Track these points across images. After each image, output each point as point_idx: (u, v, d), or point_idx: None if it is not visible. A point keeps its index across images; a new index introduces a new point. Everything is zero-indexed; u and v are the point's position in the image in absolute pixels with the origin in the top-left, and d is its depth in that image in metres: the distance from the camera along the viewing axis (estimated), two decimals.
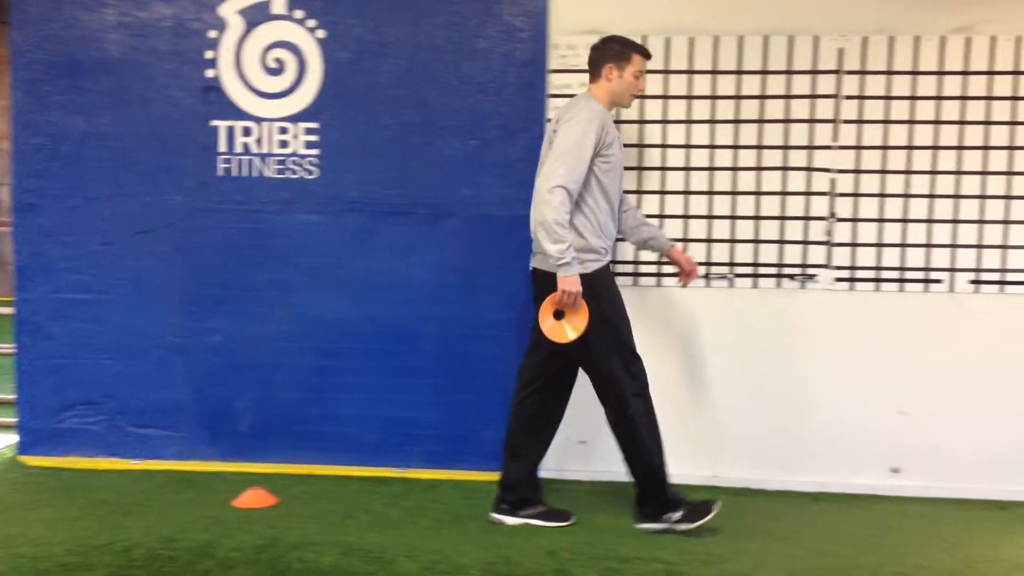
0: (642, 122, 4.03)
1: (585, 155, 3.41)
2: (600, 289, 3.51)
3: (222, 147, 4.18)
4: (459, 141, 4.10)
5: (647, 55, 3.62)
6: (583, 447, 4.14)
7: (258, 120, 4.17)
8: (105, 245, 4.24)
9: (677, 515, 3.54)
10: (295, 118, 4.15)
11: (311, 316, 4.20)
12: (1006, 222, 3.94)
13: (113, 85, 4.20)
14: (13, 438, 4.48)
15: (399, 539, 3.45)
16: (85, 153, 4.23)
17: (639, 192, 4.05)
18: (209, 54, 4.16)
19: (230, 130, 4.18)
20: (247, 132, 4.18)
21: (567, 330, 3.45)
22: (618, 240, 3.89)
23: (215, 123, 4.17)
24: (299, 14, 4.12)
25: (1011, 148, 3.91)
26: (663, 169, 4.04)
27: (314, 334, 4.20)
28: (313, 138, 4.16)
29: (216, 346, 4.22)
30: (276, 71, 4.15)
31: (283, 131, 4.17)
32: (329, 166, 4.16)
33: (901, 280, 3.98)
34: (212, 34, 4.15)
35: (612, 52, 3.59)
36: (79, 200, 4.24)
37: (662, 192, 4.04)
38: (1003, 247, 3.95)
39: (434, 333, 4.16)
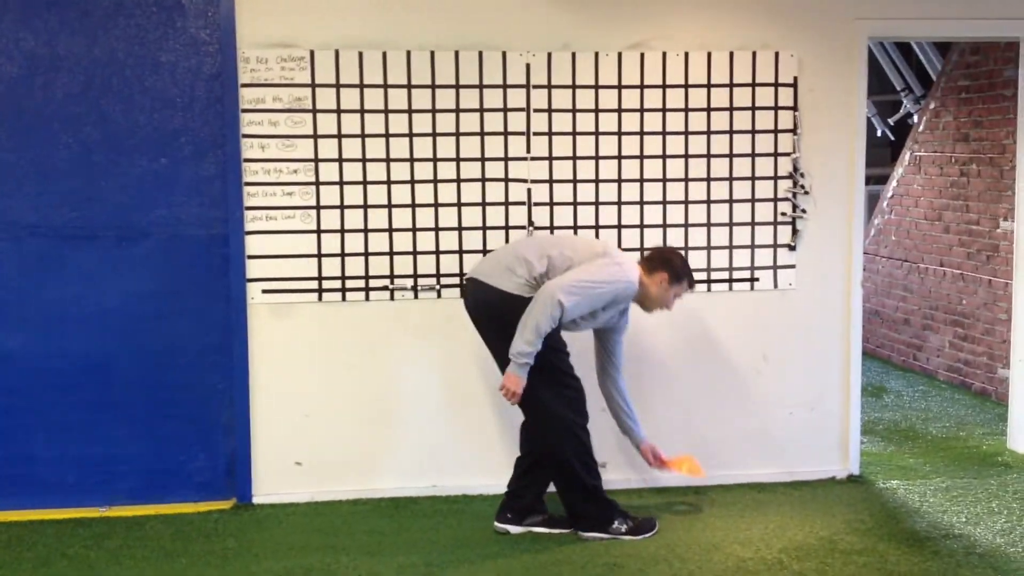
0: (341, 136, 4.13)
1: (596, 304, 3.67)
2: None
3: None
4: (148, 160, 4.03)
5: (693, 286, 3.94)
6: (298, 468, 4.22)
7: None
8: None
9: (622, 526, 3.84)
10: None
11: None
12: (686, 225, 4.36)
13: None
14: None
15: None
16: None
17: (343, 207, 4.15)
18: None
19: None
20: None
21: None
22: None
23: None
24: None
25: (685, 157, 4.32)
26: (364, 183, 4.16)
27: None
28: None
29: None
30: None
31: None
32: (3, 189, 3.96)
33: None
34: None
35: (675, 268, 3.86)
36: None
37: (365, 207, 4.16)
38: (684, 248, 4.38)
39: (132, 363, 4.09)
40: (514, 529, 3.88)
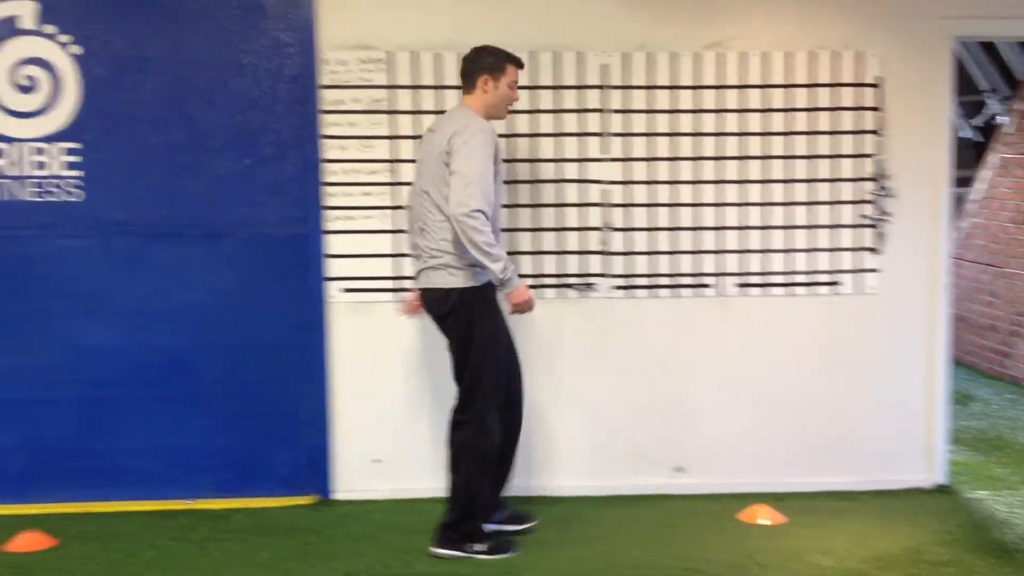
0: (418, 138, 4.21)
1: (490, 175, 3.57)
2: (488, 301, 3.71)
3: None
4: (231, 159, 4.17)
5: (520, 64, 3.78)
6: (378, 465, 4.33)
7: (10, 141, 4.10)
8: None
9: (481, 546, 3.73)
10: (52, 138, 4.11)
11: (80, 346, 4.19)
12: (766, 227, 4.36)
13: None
14: None
15: (186, 573, 3.55)
16: None
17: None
18: None
19: None
20: None
21: None
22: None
23: None
24: (50, 29, 4.07)
25: (765, 158, 4.31)
26: None
27: (85, 365, 4.19)
28: (74, 159, 4.13)
29: None
30: (28, 89, 4.09)
31: (39, 152, 4.11)
32: (93, 187, 4.14)
33: (675, 285, 4.36)
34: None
35: (486, 64, 3.72)
36: None
37: None
38: (765, 251, 4.37)
39: (215, 358, 4.23)
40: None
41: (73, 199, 4.13)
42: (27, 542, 3.81)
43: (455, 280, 3.64)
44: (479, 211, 3.50)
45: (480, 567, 3.61)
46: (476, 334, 3.68)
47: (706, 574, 3.56)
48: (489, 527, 3.83)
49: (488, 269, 3.55)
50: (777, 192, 4.34)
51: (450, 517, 3.75)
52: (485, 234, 3.51)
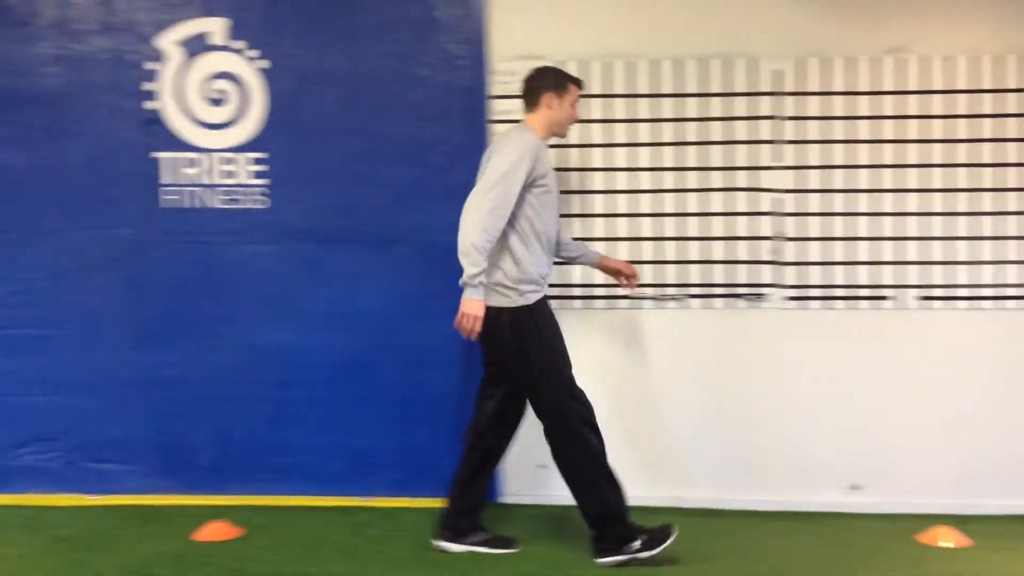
0: (584, 146, 4.26)
1: (514, 187, 3.58)
2: (540, 319, 3.73)
3: (166, 179, 4.36)
4: (405, 169, 4.32)
5: (581, 85, 3.85)
6: (542, 471, 4.41)
7: (202, 151, 4.36)
8: (52, 280, 4.43)
9: (637, 544, 3.73)
10: (240, 148, 4.34)
11: (265, 347, 4.42)
12: (950, 238, 4.22)
13: (53, 119, 4.37)
14: None
15: (365, 569, 3.71)
16: (28, 187, 4.40)
17: (584, 216, 4.29)
18: (148, 86, 4.33)
19: (173, 162, 4.36)
20: (191, 163, 4.36)
21: None
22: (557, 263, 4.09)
23: (157, 155, 4.35)
24: (239, 44, 4.30)
25: (949, 166, 4.18)
26: (607, 192, 4.28)
27: (269, 365, 4.42)
28: (260, 168, 4.35)
29: (171, 379, 4.44)
30: (219, 102, 4.33)
31: (228, 162, 4.36)
32: (276, 196, 4.36)
33: (851, 297, 4.27)
34: (151, 66, 4.32)
35: (551, 82, 3.77)
36: (23, 235, 4.41)
37: (608, 215, 4.29)
38: (948, 263, 4.23)
39: (389, 360, 4.39)
40: (453, 548, 3.87)
41: (259, 207, 4.37)
42: (215, 532, 4.05)
43: (503, 300, 3.68)
44: (488, 213, 3.52)
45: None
46: (531, 351, 3.70)
47: None
48: (461, 547, 3.86)
49: (463, 264, 3.55)
50: (961, 201, 4.20)
51: (595, 530, 3.76)
52: (477, 235, 3.52)
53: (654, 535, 3.73)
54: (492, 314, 3.66)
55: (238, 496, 4.45)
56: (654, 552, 3.70)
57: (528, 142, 3.65)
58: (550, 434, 3.76)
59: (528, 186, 3.63)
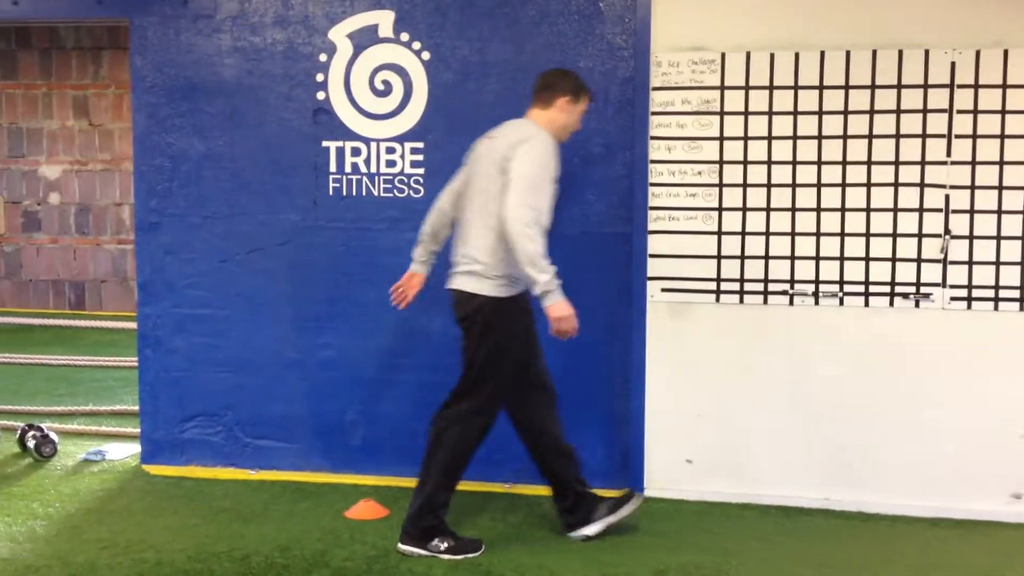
0: (747, 139, 4.21)
1: (548, 188, 3.66)
2: (513, 315, 3.76)
3: (333, 167, 4.54)
4: (562, 160, 4.32)
5: (592, 98, 3.95)
6: (689, 466, 4.36)
7: (367, 140, 4.52)
8: (223, 262, 4.66)
9: (443, 544, 3.75)
10: (402, 138, 4.48)
11: (418, 332, 4.53)
12: None
13: (229, 108, 4.61)
14: (137, 448, 4.95)
15: (506, 554, 3.76)
16: (203, 174, 4.65)
17: (745, 209, 4.24)
18: (319, 77, 4.52)
19: (340, 150, 4.54)
20: (356, 152, 4.53)
21: None
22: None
23: (326, 144, 4.53)
24: (405, 37, 4.44)
25: None
26: (768, 186, 4.22)
27: (421, 350, 4.53)
28: (419, 157, 4.48)
29: (328, 360, 4.60)
30: (383, 93, 4.48)
31: (391, 151, 4.50)
32: (434, 185, 4.45)
33: (1021, 299, 4.07)
34: (322, 57, 4.51)
35: (571, 87, 3.83)
36: (198, 219, 4.66)
37: (768, 209, 4.22)
38: None
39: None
40: (591, 530, 3.89)
41: (416, 195, 4.49)
42: (365, 510, 4.18)
43: (482, 287, 3.70)
44: (534, 219, 3.54)
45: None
46: (489, 343, 3.72)
47: None
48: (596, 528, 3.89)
49: (532, 279, 3.56)
50: None
51: (411, 508, 3.79)
52: (536, 243, 3.54)
53: (463, 544, 3.76)
54: (466, 298, 3.75)
55: (386, 476, 4.57)
56: (456, 557, 3.71)
57: (547, 141, 3.70)
58: (457, 419, 3.78)
59: None
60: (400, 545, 3.78)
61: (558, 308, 3.60)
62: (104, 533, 3.95)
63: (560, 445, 3.93)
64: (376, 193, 4.53)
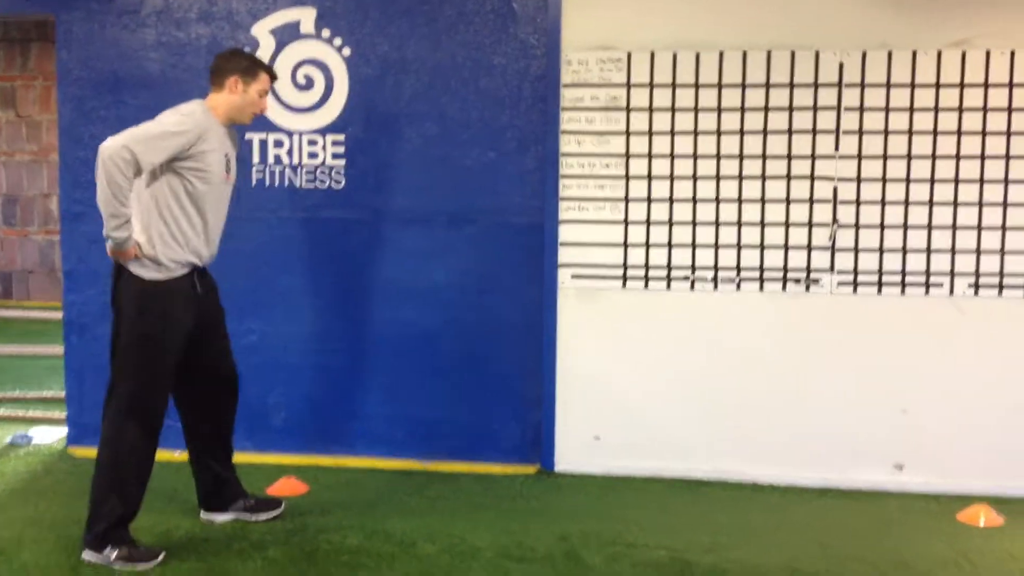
0: (652, 133, 4.46)
1: (160, 151, 3.43)
2: (156, 303, 3.56)
3: (256, 159, 4.70)
4: (478, 153, 4.58)
5: (274, 76, 3.81)
6: (597, 443, 4.61)
7: (289, 133, 4.68)
8: None
9: (115, 553, 3.53)
10: (324, 131, 4.65)
11: (340, 318, 4.71)
12: (1003, 228, 4.32)
13: (154, 101, 4.65)
14: (63, 432, 5.06)
15: (420, 525, 3.95)
16: None
17: (649, 200, 4.49)
18: None
19: (263, 143, 4.70)
20: (279, 144, 4.69)
21: None
22: None
23: (249, 136, 4.69)
24: (326, 33, 4.62)
25: (1007, 157, 4.28)
26: (672, 178, 4.47)
27: (344, 335, 4.72)
28: (340, 149, 4.66)
29: (251, 345, 4.73)
30: (305, 87, 4.65)
31: (312, 143, 4.67)
32: (355, 176, 4.65)
33: (902, 284, 4.39)
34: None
35: (240, 66, 3.71)
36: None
37: (671, 200, 4.48)
38: (1000, 252, 4.33)
39: (455, 334, 4.65)
40: (220, 517, 3.94)
41: (338, 187, 4.67)
42: (285, 487, 4.33)
43: (130, 265, 3.55)
44: (129, 149, 3.35)
45: (688, 541, 3.79)
46: (125, 329, 3.55)
47: (915, 569, 3.60)
48: (226, 517, 3.93)
49: (104, 215, 3.40)
50: (1019, 192, 4.29)
51: (88, 511, 3.58)
52: (122, 183, 3.36)
53: (138, 553, 3.57)
54: (115, 271, 3.59)
55: (307, 455, 4.74)
56: (134, 566, 3.51)
57: (193, 117, 3.56)
58: (107, 397, 3.67)
59: (180, 160, 3.52)
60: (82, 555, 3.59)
61: (121, 252, 3.49)
62: (30, 511, 4.07)
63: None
64: (298, 184, 4.70)
